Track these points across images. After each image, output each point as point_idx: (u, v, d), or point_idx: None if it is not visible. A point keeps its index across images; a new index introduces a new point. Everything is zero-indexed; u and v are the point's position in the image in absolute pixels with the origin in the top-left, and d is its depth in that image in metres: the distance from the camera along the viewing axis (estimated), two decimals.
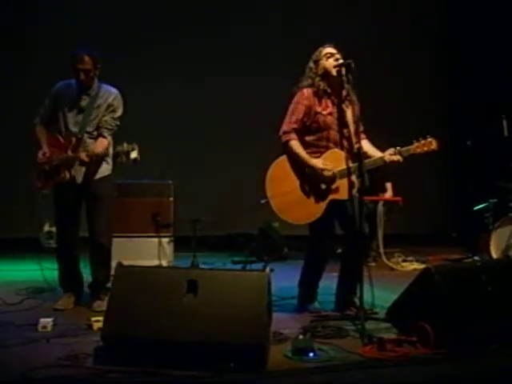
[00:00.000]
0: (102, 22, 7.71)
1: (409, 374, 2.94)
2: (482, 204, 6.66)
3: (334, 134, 4.14)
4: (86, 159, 4.24)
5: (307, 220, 4.08)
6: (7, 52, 7.61)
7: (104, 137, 4.37)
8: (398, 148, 4.02)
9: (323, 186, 4.04)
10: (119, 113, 4.47)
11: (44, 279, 4.85)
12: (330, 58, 4.10)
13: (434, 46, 9.00)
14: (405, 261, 6.63)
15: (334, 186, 4.03)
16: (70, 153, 4.32)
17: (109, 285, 4.17)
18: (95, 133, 4.41)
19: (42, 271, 4.90)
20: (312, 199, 4.06)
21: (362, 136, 4.22)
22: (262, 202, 4.16)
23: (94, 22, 7.68)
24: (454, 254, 7.03)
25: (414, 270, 6.00)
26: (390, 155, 4.02)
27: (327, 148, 4.12)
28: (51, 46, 7.49)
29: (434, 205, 8.72)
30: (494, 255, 6.08)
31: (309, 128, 4.14)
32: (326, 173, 4.01)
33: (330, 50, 4.15)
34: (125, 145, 4.16)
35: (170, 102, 7.81)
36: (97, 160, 4.37)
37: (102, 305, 4.14)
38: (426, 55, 8.90)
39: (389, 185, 6.94)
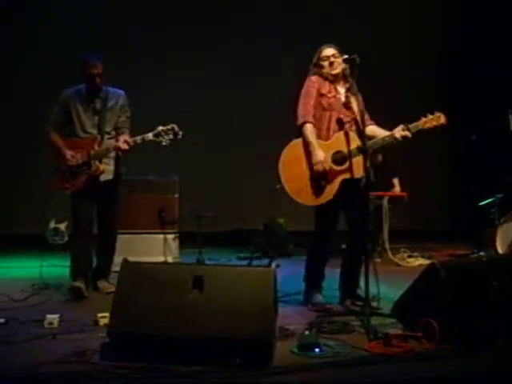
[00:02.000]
0: (102, 22, 7.70)
1: (414, 370, 2.94)
2: (487, 199, 6.64)
3: (337, 115, 4.19)
4: (126, 146, 4.43)
5: (321, 201, 4.11)
6: (11, 52, 7.64)
7: (125, 134, 4.62)
8: (406, 124, 4.07)
9: (334, 167, 4.07)
10: (129, 112, 4.75)
11: (40, 277, 4.98)
12: (325, 61, 4.23)
13: (436, 39, 8.97)
14: (410, 256, 6.63)
15: (344, 167, 4.06)
16: (97, 148, 4.52)
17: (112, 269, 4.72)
18: (113, 132, 4.65)
19: (41, 268, 5.09)
20: (324, 180, 4.08)
21: (370, 122, 4.29)
22: (278, 187, 4.19)
23: (93, 22, 7.68)
24: (460, 249, 7.02)
25: (420, 265, 5.99)
26: (399, 131, 4.07)
27: (328, 130, 4.17)
28: (51, 47, 7.52)
29: (439, 200, 8.71)
30: (500, 250, 6.07)
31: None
32: (316, 167, 4.05)
33: (326, 52, 4.24)
34: (161, 126, 4.37)
35: (174, 100, 7.80)
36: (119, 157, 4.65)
37: (109, 286, 4.54)
38: (427, 48, 8.87)
39: (396, 180, 6.94)
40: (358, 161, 4.01)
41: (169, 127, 4.36)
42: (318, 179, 4.08)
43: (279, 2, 8.37)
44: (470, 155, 7.17)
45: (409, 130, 4.05)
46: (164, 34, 8.02)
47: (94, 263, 4.85)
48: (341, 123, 4.18)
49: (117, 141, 4.56)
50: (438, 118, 4.05)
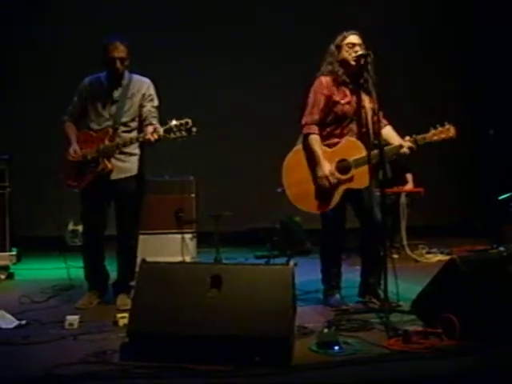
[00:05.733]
0: (102, 23, 7.73)
1: (435, 366, 2.92)
2: (506, 194, 6.58)
3: (351, 123, 4.12)
4: (156, 136, 3.98)
5: (321, 209, 4.10)
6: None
7: (154, 124, 4.18)
8: (413, 136, 3.99)
9: (338, 176, 4.02)
10: (157, 101, 4.35)
11: (69, 277, 4.99)
12: (350, 48, 4.07)
13: (458, 30, 8.88)
14: (429, 252, 6.58)
15: (348, 176, 4.01)
16: (107, 143, 4.17)
17: (132, 283, 4.17)
18: (132, 124, 4.28)
19: (68, 269, 5.05)
20: (326, 189, 4.04)
21: (384, 122, 4.19)
22: (279, 190, 4.20)
23: (95, 22, 7.72)
24: (479, 244, 6.94)
25: (439, 261, 5.94)
26: (405, 142, 4.00)
27: (340, 137, 4.10)
28: (64, 47, 7.60)
29: (457, 195, 8.63)
30: None
31: (327, 117, 4.13)
32: (321, 181, 4.00)
33: (352, 39, 4.10)
34: (174, 120, 3.93)
35: (190, 100, 7.81)
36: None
37: (127, 303, 4.02)
38: (445, 40, 8.79)
39: (409, 176, 6.90)
40: (362, 171, 3.94)
41: (182, 121, 3.90)
42: (320, 188, 4.04)
43: (280, 2, 8.37)
44: (489, 149, 7.10)
45: (416, 141, 3.96)
46: (166, 35, 8.03)
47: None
48: (357, 132, 4.12)
49: (144, 133, 4.12)
50: (447, 131, 3.92)
